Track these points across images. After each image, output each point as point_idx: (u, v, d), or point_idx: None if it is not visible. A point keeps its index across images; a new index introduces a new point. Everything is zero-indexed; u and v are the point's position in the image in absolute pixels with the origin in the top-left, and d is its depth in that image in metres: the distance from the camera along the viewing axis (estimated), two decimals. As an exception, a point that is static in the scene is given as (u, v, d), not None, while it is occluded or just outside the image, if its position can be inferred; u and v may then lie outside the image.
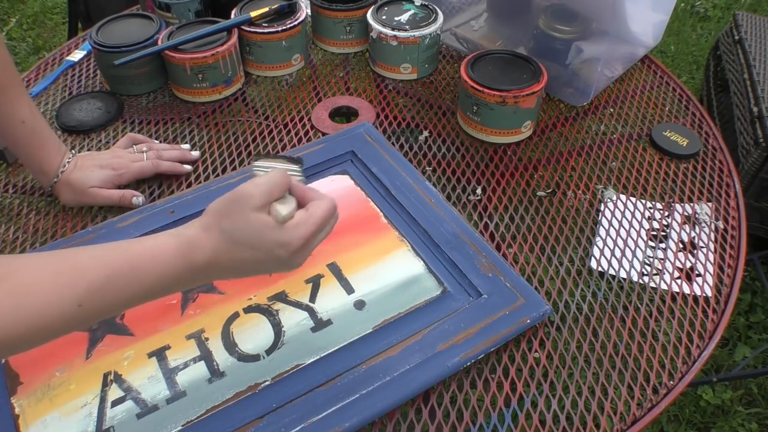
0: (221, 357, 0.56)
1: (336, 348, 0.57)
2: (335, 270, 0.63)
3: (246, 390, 0.54)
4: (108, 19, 0.89)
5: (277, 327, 0.58)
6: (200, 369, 0.56)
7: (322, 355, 0.56)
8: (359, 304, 0.60)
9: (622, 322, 0.61)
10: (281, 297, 0.61)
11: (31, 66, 1.09)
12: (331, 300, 0.61)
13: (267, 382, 0.54)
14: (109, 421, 0.52)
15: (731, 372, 1.30)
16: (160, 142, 0.81)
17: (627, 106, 0.89)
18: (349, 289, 0.62)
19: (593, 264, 0.67)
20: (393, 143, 0.82)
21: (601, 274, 0.66)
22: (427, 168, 0.78)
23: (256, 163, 0.51)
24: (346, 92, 0.91)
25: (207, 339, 0.58)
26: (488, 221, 0.72)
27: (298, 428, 0.51)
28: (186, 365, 0.56)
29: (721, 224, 0.71)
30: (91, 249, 0.45)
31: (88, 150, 0.81)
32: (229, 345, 0.57)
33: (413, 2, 0.94)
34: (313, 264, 0.64)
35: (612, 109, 0.88)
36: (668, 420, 1.26)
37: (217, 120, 0.85)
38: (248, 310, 0.60)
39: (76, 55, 0.97)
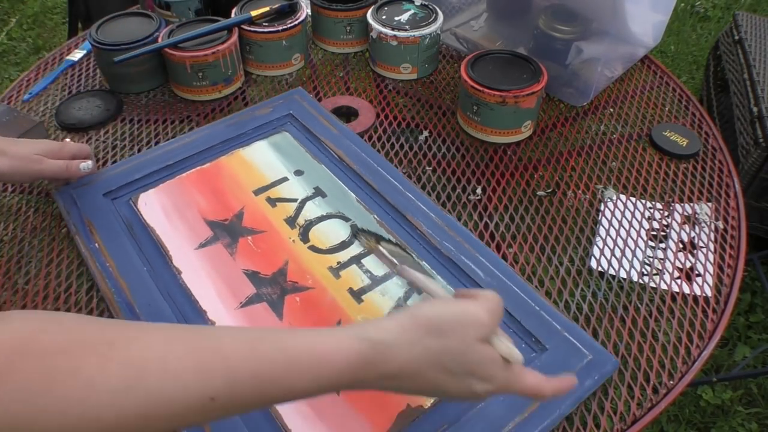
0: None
1: None
2: None
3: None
4: (108, 18, 0.89)
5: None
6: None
7: None
8: None
9: (622, 322, 0.61)
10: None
11: (31, 66, 1.09)
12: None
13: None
14: None
15: (731, 372, 1.30)
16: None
17: (627, 106, 0.89)
18: None
19: (593, 264, 0.67)
20: (393, 143, 0.82)
21: (601, 274, 0.66)
22: (427, 168, 0.78)
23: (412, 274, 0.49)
24: (346, 92, 0.91)
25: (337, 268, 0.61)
26: (488, 221, 0.72)
27: None
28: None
29: (721, 224, 0.71)
30: (236, 331, 0.38)
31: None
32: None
33: (413, 2, 0.94)
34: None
35: (612, 109, 0.88)
36: (668, 420, 1.26)
37: (217, 119, 0.85)
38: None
39: (76, 55, 0.97)
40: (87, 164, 0.67)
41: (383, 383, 0.38)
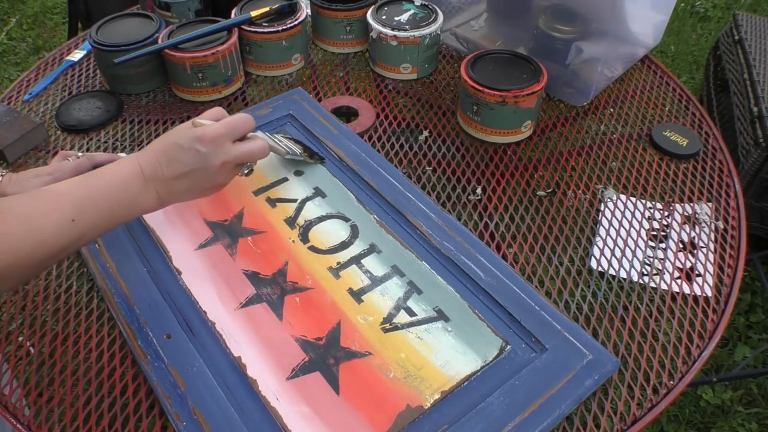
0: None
1: None
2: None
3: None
4: (108, 19, 0.89)
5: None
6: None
7: None
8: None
9: (622, 322, 0.61)
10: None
11: (31, 66, 1.09)
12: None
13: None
14: None
15: (731, 372, 1.30)
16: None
17: (627, 106, 0.89)
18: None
19: (593, 264, 0.67)
20: (393, 143, 0.82)
21: (601, 274, 0.66)
22: (427, 168, 0.78)
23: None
24: (346, 92, 0.91)
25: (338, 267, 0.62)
26: (488, 221, 0.72)
27: None
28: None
29: (721, 224, 0.71)
30: (65, 182, 0.54)
31: (87, 150, 0.81)
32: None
33: (413, 2, 0.94)
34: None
35: (612, 109, 0.88)
36: (668, 420, 1.26)
37: (217, 120, 0.85)
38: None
39: (76, 55, 0.97)
40: None
41: (153, 171, 0.55)
